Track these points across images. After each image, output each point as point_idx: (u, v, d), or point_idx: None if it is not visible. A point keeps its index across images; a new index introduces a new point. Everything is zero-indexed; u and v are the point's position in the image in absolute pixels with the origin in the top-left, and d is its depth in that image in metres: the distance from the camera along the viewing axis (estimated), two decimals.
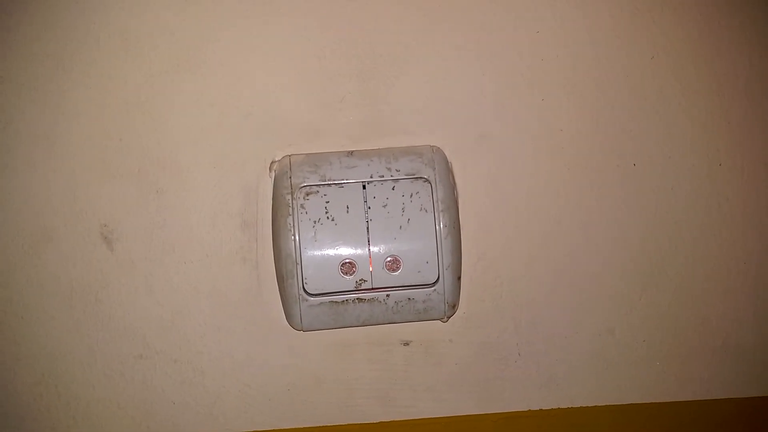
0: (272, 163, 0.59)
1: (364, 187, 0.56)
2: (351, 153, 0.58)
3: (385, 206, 0.56)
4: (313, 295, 0.55)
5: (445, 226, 0.56)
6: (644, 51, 0.61)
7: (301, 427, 0.61)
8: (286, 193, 0.56)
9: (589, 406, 0.64)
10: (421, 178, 0.57)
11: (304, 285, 0.55)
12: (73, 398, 0.59)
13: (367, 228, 0.55)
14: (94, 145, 0.58)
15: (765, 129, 0.62)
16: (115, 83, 0.57)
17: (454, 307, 0.58)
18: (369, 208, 0.56)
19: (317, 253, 0.55)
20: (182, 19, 0.58)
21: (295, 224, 0.55)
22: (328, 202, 0.55)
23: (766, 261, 0.64)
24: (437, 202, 0.56)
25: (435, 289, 0.57)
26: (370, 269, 0.55)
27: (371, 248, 0.55)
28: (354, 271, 0.55)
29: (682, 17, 0.61)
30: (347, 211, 0.55)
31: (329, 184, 0.56)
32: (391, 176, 0.56)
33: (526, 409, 0.63)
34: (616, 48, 0.61)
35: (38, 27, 0.57)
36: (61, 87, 0.57)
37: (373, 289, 0.56)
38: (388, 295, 0.56)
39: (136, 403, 0.60)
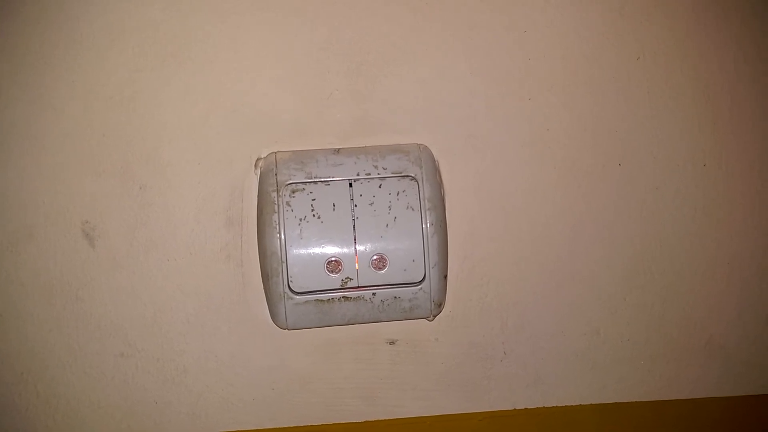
0: (258, 160, 0.58)
1: (350, 185, 0.56)
2: (338, 151, 0.58)
3: (371, 204, 0.55)
4: (298, 293, 0.55)
5: (431, 224, 0.56)
6: (631, 52, 0.61)
7: (286, 426, 0.61)
8: (272, 191, 0.55)
9: (575, 405, 0.64)
10: (408, 176, 0.57)
11: (290, 283, 0.55)
12: (53, 397, 0.58)
13: (354, 226, 0.55)
14: (76, 140, 0.57)
15: (750, 131, 0.63)
16: (100, 79, 0.57)
17: (440, 305, 0.58)
18: (355, 206, 0.55)
19: (303, 251, 0.55)
20: (168, 15, 0.57)
21: (281, 222, 0.55)
22: (314, 199, 0.55)
23: (751, 261, 0.64)
24: (424, 200, 0.56)
25: (421, 288, 0.56)
26: (356, 267, 0.55)
27: (357, 246, 0.55)
28: (340, 270, 0.55)
29: (670, 19, 0.62)
30: (333, 209, 0.55)
31: (315, 182, 0.56)
32: (378, 174, 0.56)
33: (511, 408, 0.64)
34: (603, 48, 0.61)
35: (21, 21, 0.56)
36: (44, 82, 0.56)
37: (359, 287, 0.56)
38: (374, 294, 0.56)
39: (117, 402, 0.59)
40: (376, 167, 0.57)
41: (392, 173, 0.56)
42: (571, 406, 0.64)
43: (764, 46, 0.63)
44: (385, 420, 0.62)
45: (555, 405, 0.64)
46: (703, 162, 0.63)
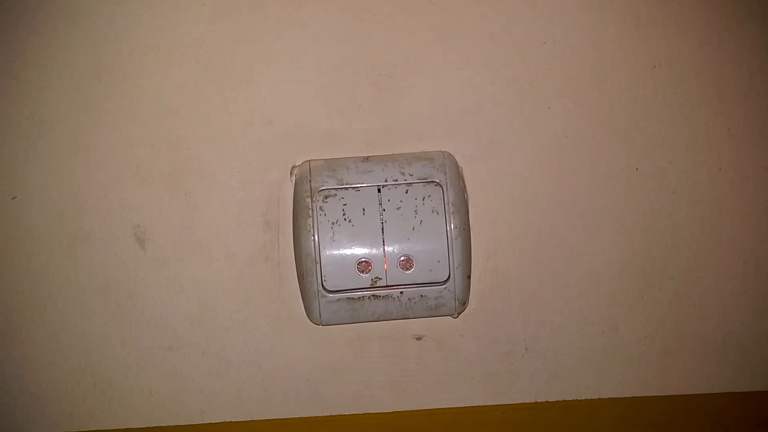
0: (293, 167, 0.61)
1: (379, 190, 0.58)
2: (367, 158, 0.60)
3: (398, 208, 0.58)
4: (331, 291, 0.58)
5: (455, 227, 0.58)
6: (646, 61, 0.62)
7: (320, 415, 0.63)
8: (306, 196, 0.58)
9: (593, 398, 0.65)
10: (433, 182, 0.59)
11: (323, 282, 0.57)
12: (108, 387, 0.62)
13: (382, 229, 0.57)
14: (127, 151, 0.60)
15: (764, 135, 0.63)
16: (147, 93, 0.60)
17: (464, 303, 0.60)
18: (384, 210, 0.58)
19: (335, 252, 0.57)
20: (209, 34, 0.60)
21: (315, 225, 0.57)
22: (345, 204, 0.58)
23: (765, 262, 0.64)
24: (448, 204, 0.58)
25: (446, 287, 0.59)
26: (385, 268, 0.57)
27: (386, 248, 0.57)
28: (369, 270, 0.57)
29: (683, 28, 0.63)
30: (363, 213, 0.58)
31: (346, 188, 0.58)
32: (405, 180, 0.58)
33: (532, 401, 0.65)
34: (619, 58, 0.62)
35: (77, 42, 0.59)
36: (98, 97, 0.60)
37: (387, 286, 0.58)
38: (401, 292, 0.58)
39: (166, 391, 0.62)
40: (402, 174, 0.59)
41: (418, 179, 0.58)
42: (590, 399, 0.65)
43: None
44: (412, 411, 0.64)
45: (574, 398, 0.65)
46: (719, 166, 0.63)
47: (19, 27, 0.59)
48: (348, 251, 0.57)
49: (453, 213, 0.58)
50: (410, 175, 0.59)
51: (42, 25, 0.59)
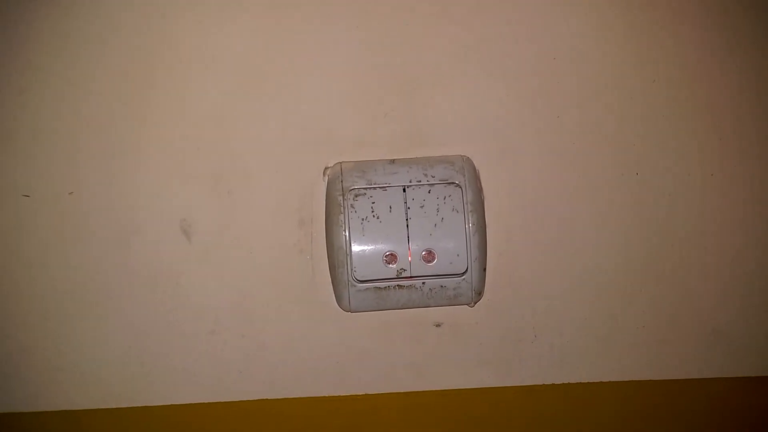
0: (326, 169, 0.65)
1: (404, 190, 0.62)
2: (393, 161, 0.64)
3: (422, 207, 0.61)
4: (360, 281, 0.61)
5: (473, 224, 0.62)
6: (646, 76, 0.66)
7: (347, 395, 0.67)
8: (338, 195, 0.62)
9: (595, 381, 0.68)
10: (453, 183, 0.62)
11: (353, 273, 0.61)
12: (154, 368, 0.65)
13: (407, 225, 0.61)
14: (175, 152, 0.64)
15: (751, 144, 0.67)
16: (194, 101, 0.64)
17: (480, 294, 0.64)
18: (408, 208, 0.61)
19: (364, 246, 0.61)
20: (251, 47, 0.64)
21: (346, 221, 0.61)
22: (373, 202, 0.61)
23: (751, 259, 0.68)
24: (467, 204, 0.62)
25: (464, 279, 0.62)
26: (409, 260, 0.61)
27: (410, 243, 0.61)
28: (395, 262, 0.61)
29: (680, 47, 0.67)
30: (390, 211, 0.61)
31: (375, 188, 0.62)
32: (428, 181, 0.62)
33: (540, 384, 0.68)
34: (622, 73, 0.66)
35: (131, 53, 0.63)
36: (149, 103, 0.63)
37: (411, 277, 0.61)
38: (423, 283, 0.62)
39: (207, 372, 0.65)
40: (425, 175, 0.62)
41: (440, 180, 0.62)
42: (592, 382, 0.68)
43: (764, 71, 0.67)
44: (431, 390, 0.67)
45: (578, 381, 0.68)
46: (711, 172, 0.67)
47: (72, 37, 0.63)
48: (376, 245, 0.61)
49: (471, 212, 0.62)
50: (432, 177, 0.62)
51: (98, 37, 0.63)
